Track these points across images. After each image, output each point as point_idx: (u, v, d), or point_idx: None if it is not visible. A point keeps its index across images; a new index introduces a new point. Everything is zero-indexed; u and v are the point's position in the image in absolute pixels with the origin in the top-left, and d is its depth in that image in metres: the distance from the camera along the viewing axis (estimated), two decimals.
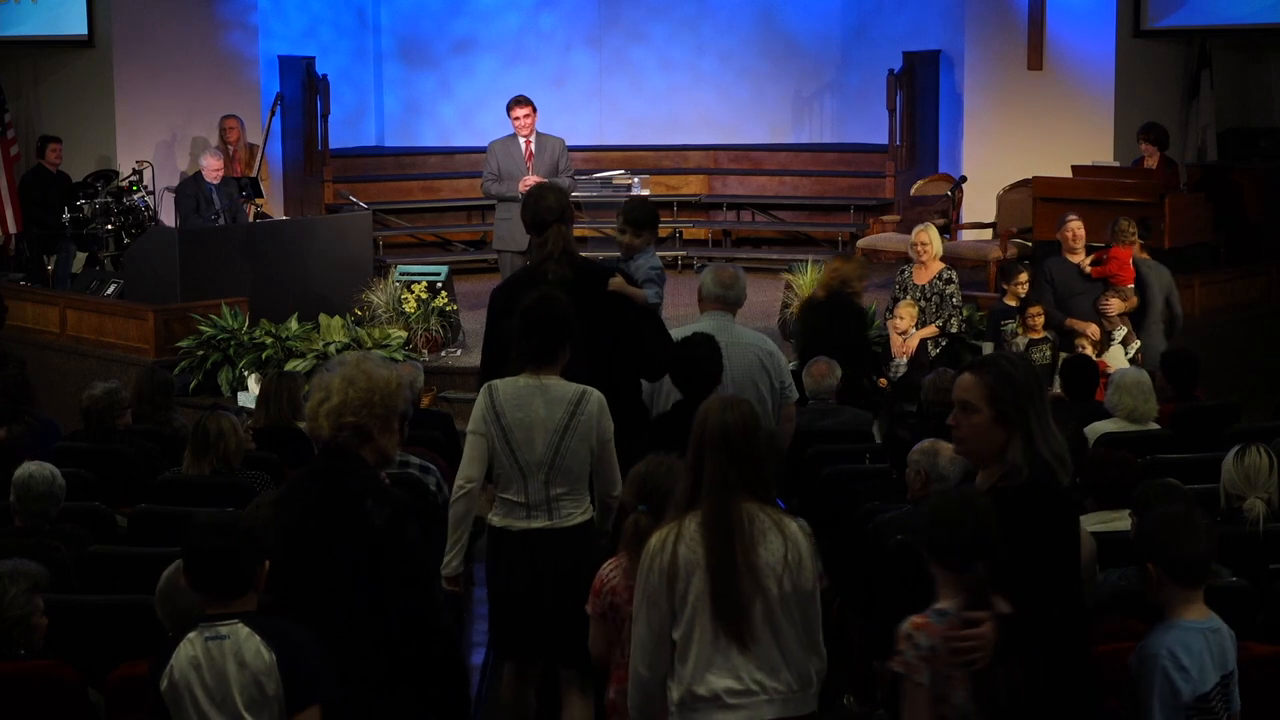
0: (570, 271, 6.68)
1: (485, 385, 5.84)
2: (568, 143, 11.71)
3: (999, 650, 3.90)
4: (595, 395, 5.77)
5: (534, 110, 11.38)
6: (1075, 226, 10.96)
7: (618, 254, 8.34)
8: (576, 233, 12.11)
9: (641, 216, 8.19)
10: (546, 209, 6.87)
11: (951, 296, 10.79)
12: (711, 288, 7.32)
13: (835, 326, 9.12)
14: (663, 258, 12.12)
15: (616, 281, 6.90)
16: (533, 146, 11.36)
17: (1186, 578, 4.21)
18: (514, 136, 11.41)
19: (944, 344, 10.66)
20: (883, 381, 10.63)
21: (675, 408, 6.45)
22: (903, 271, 11.08)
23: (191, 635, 4.08)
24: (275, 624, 4.12)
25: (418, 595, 4.34)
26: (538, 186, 7.58)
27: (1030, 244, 13.13)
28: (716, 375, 6.43)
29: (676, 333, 7.01)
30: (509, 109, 11.42)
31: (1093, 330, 10.64)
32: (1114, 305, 10.75)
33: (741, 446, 4.32)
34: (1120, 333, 10.80)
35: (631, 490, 5.03)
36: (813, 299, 9.96)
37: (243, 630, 4.06)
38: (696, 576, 4.25)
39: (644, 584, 4.32)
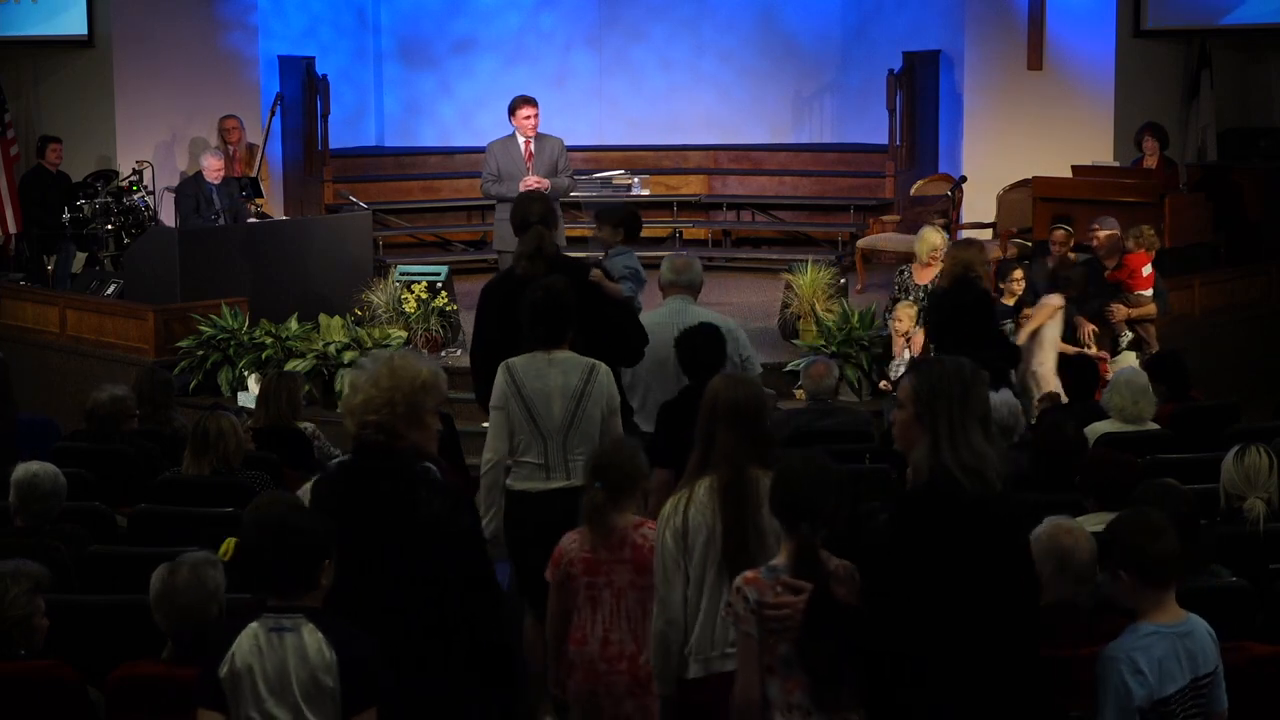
0: (543, 268, 7.16)
1: (503, 364, 6.42)
2: (568, 142, 11.71)
3: (812, 625, 4.12)
4: (603, 366, 6.43)
5: (538, 110, 11.39)
6: (1100, 235, 10.95)
7: (600, 253, 9.03)
8: (577, 233, 12.16)
9: (608, 213, 9.13)
10: (529, 212, 7.61)
11: None
12: (668, 274, 8.07)
13: (964, 314, 9.16)
14: (661, 258, 12.15)
15: (596, 274, 7.55)
16: (532, 146, 11.35)
17: (1156, 579, 4.24)
18: (513, 137, 11.40)
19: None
20: (885, 384, 10.62)
21: (682, 393, 6.93)
22: (903, 272, 11.09)
23: (254, 625, 4.06)
24: (339, 624, 4.10)
25: (474, 590, 4.30)
26: (524, 194, 8.43)
27: (1030, 244, 13.13)
28: (719, 363, 6.91)
29: (643, 317, 7.74)
30: (515, 109, 11.38)
31: (1088, 330, 10.61)
32: (1118, 311, 10.73)
33: (750, 419, 4.77)
34: (1126, 338, 10.78)
35: (589, 469, 5.38)
36: (937, 290, 9.84)
37: (307, 626, 4.05)
38: (704, 537, 4.68)
39: (660, 546, 4.76)
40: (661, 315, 7.84)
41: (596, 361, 6.42)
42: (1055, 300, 10.29)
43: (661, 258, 8.35)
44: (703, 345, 6.94)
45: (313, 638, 4.04)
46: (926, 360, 4.24)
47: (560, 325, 6.39)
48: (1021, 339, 10.15)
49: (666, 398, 7.21)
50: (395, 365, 4.42)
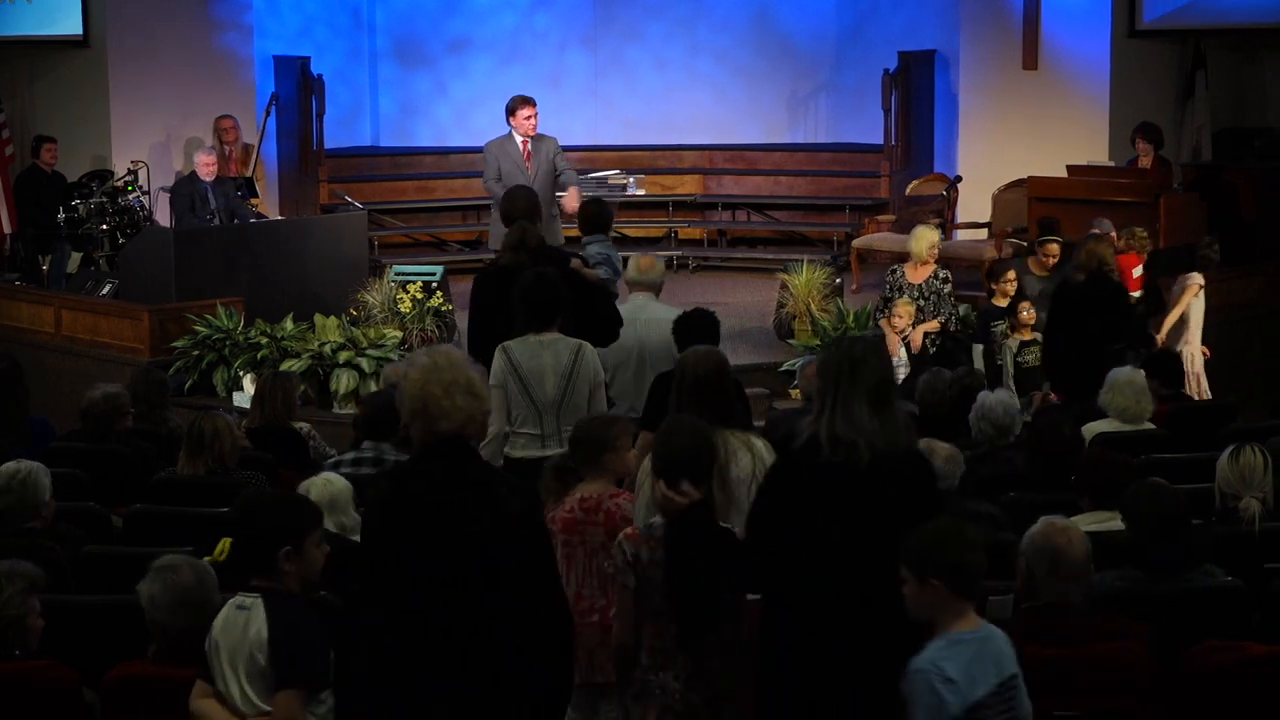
0: (526, 258, 7.91)
1: (500, 346, 7.08)
2: (564, 142, 11.72)
3: (679, 545, 4.63)
4: (589, 346, 7.19)
5: (537, 110, 11.45)
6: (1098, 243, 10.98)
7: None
8: (573, 232, 12.23)
9: (581, 213, 10.02)
10: (514, 209, 8.60)
11: (949, 296, 10.78)
12: (633, 273, 8.68)
13: (1100, 307, 9.43)
14: (657, 257, 12.32)
15: (576, 263, 8.47)
16: (529, 146, 11.37)
17: (965, 588, 4.24)
18: (509, 137, 11.41)
19: (940, 343, 10.64)
20: None
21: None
22: (894, 271, 11.06)
23: (231, 600, 4.46)
24: (286, 604, 4.39)
25: (547, 581, 4.26)
26: (513, 188, 9.26)
27: (1025, 244, 13.12)
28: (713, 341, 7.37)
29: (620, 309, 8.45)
30: (515, 109, 11.39)
31: None
32: None
33: (713, 389, 5.39)
34: None
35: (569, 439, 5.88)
36: (1070, 283, 9.80)
37: (259, 605, 4.38)
38: None
39: (641, 495, 5.33)
40: (625, 311, 8.50)
41: (582, 342, 7.17)
42: (1197, 279, 10.57)
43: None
44: (695, 328, 7.43)
45: (258, 616, 4.36)
46: (834, 340, 4.87)
47: (551, 309, 7.08)
48: (1169, 323, 10.42)
49: (631, 379, 8.21)
50: (475, 378, 4.33)
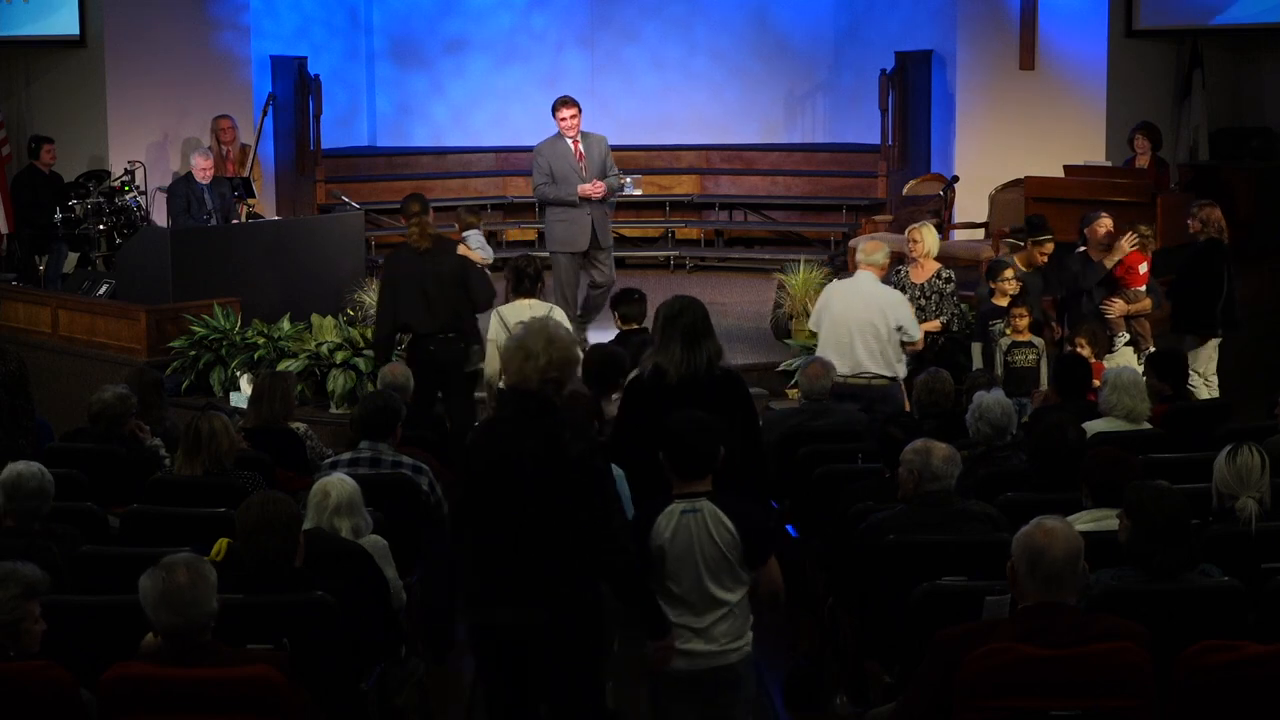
0: (428, 243, 9.92)
1: (495, 311, 9.43)
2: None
3: None
4: (559, 310, 9.39)
5: (579, 110, 11.51)
6: (1105, 226, 10.96)
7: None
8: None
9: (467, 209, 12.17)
10: (410, 210, 10.10)
11: (952, 295, 10.73)
12: (859, 254, 10.13)
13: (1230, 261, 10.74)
14: (654, 257, 12.51)
15: (463, 249, 10.55)
16: (580, 146, 11.45)
17: None
18: (559, 137, 11.50)
19: (941, 343, 10.60)
20: None
21: (617, 336, 9.48)
22: (898, 271, 11.01)
23: (670, 508, 5.29)
24: (733, 502, 5.31)
25: (605, 515, 5.21)
26: (407, 196, 10.44)
27: (1022, 245, 13.10)
28: (641, 316, 9.46)
29: (837, 283, 10.32)
30: (555, 111, 11.56)
31: (1118, 306, 10.61)
32: (1116, 307, 10.71)
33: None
34: (1123, 339, 10.76)
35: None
36: (1221, 244, 10.87)
37: (708, 506, 5.28)
38: None
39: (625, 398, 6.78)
40: (847, 284, 10.06)
41: (554, 306, 9.51)
42: None
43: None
44: (626, 300, 9.61)
45: (715, 515, 5.25)
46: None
47: (533, 282, 9.46)
48: None
49: (835, 340, 9.68)
50: (560, 333, 5.39)
